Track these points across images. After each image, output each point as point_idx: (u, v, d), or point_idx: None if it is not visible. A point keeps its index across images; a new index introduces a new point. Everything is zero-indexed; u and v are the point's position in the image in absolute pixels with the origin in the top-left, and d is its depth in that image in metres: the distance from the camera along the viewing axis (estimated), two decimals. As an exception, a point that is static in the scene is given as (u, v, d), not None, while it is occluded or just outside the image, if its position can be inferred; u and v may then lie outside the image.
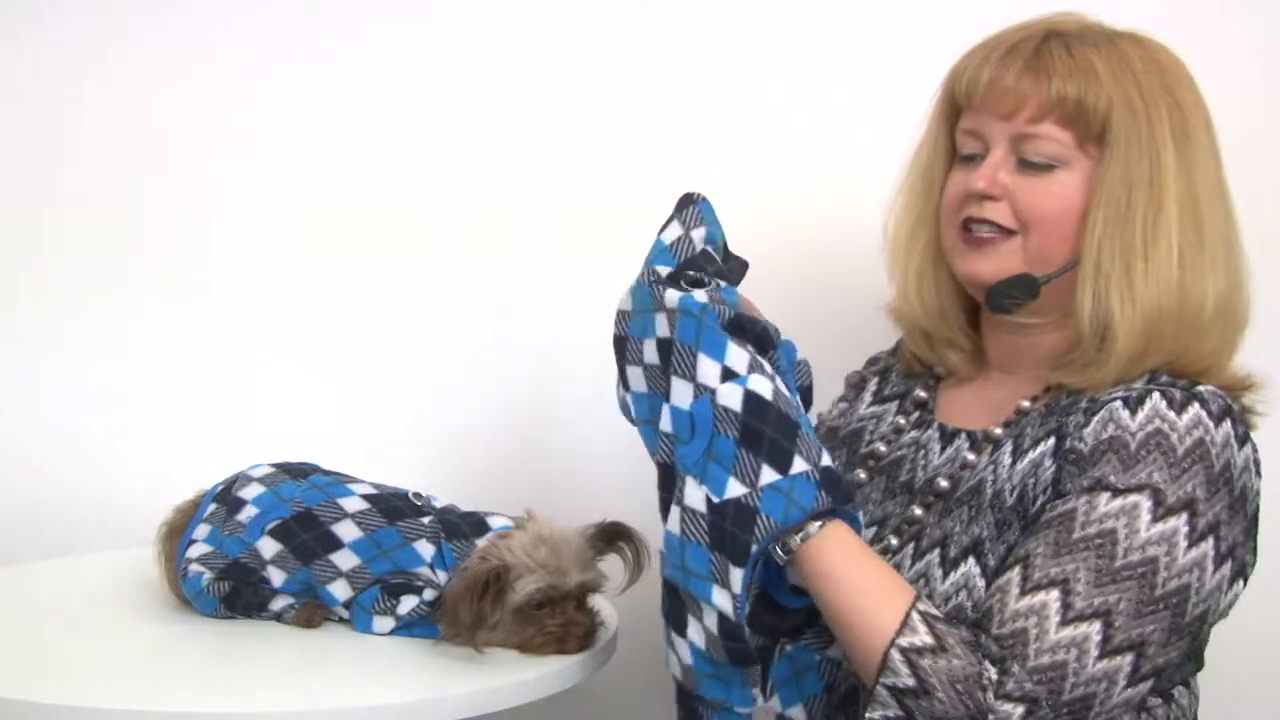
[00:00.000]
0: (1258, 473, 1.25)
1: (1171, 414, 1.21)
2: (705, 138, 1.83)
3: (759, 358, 1.22)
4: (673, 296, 1.22)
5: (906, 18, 1.77)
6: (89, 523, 1.79)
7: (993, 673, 1.14)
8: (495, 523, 1.40)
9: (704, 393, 1.19)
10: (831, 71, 1.81)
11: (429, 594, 1.39)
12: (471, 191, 1.86)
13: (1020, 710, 1.13)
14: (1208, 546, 1.18)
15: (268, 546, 1.42)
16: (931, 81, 1.37)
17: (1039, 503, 1.24)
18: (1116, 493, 1.18)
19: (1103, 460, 1.21)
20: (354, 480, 1.47)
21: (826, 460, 1.20)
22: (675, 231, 1.27)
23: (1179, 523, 1.17)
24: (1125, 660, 1.15)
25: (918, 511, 1.33)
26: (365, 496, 1.44)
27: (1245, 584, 1.24)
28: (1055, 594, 1.16)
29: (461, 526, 1.40)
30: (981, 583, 1.24)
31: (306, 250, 1.87)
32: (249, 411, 1.86)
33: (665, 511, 1.24)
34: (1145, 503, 1.18)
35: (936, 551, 1.28)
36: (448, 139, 1.85)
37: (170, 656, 1.36)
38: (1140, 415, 1.21)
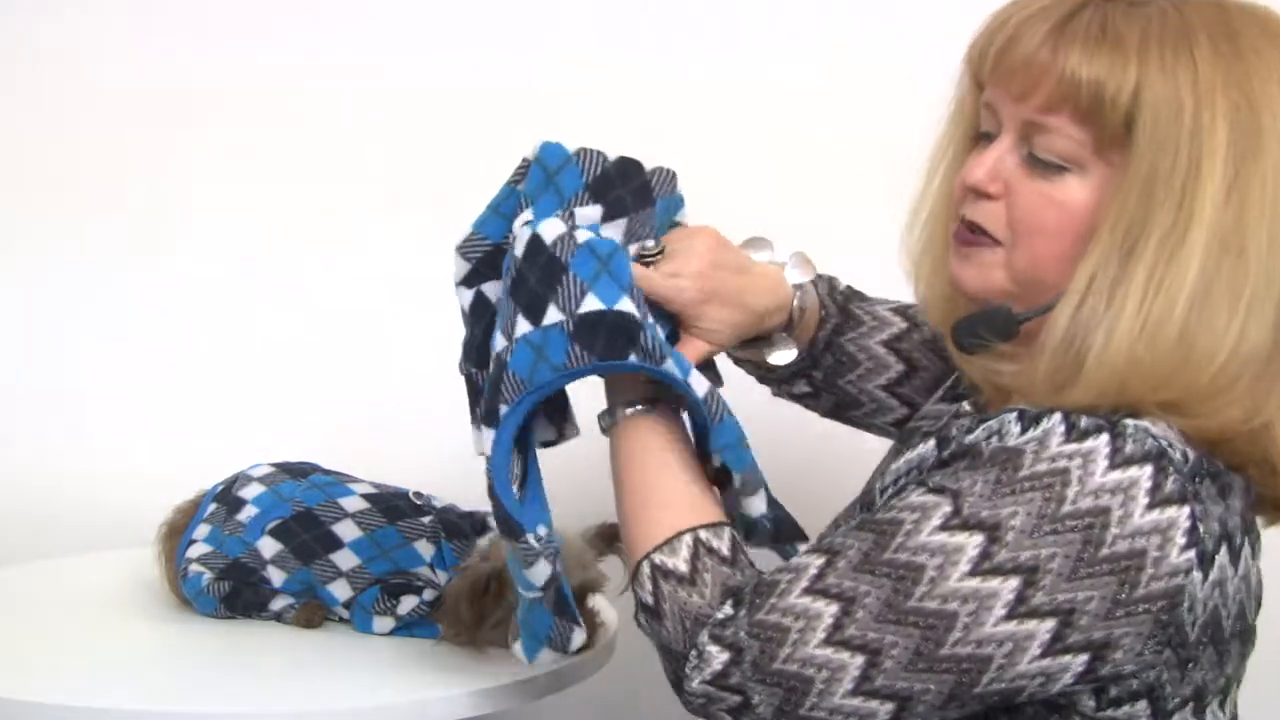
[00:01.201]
0: (1190, 545, 0.98)
1: (1055, 439, 1.00)
2: (727, 108, 1.83)
3: (582, 209, 1.11)
4: (535, 145, 1.14)
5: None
6: (89, 523, 1.79)
7: (724, 612, 1.04)
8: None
9: (514, 242, 1.11)
10: (868, 48, 1.81)
11: (429, 594, 1.39)
12: (475, 191, 1.86)
13: (724, 656, 1.02)
14: (1003, 586, 0.98)
15: (268, 546, 1.42)
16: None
17: None
18: (927, 490, 1.02)
19: (953, 463, 1.05)
20: (354, 480, 1.47)
21: (593, 305, 1.06)
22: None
23: (968, 542, 0.98)
24: (854, 661, 1.00)
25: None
26: (365, 496, 1.44)
27: (1116, 669, 1.01)
28: (820, 560, 1.02)
29: (461, 526, 1.40)
30: None
31: (308, 253, 1.87)
32: (249, 411, 1.86)
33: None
34: (944, 507, 1.00)
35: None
36: (455, 137, 1.86)
37: (170, 656, 1.36)
38: (1028, 433, 1.02)
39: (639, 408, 1.13)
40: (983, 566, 0.98)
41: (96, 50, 1.84)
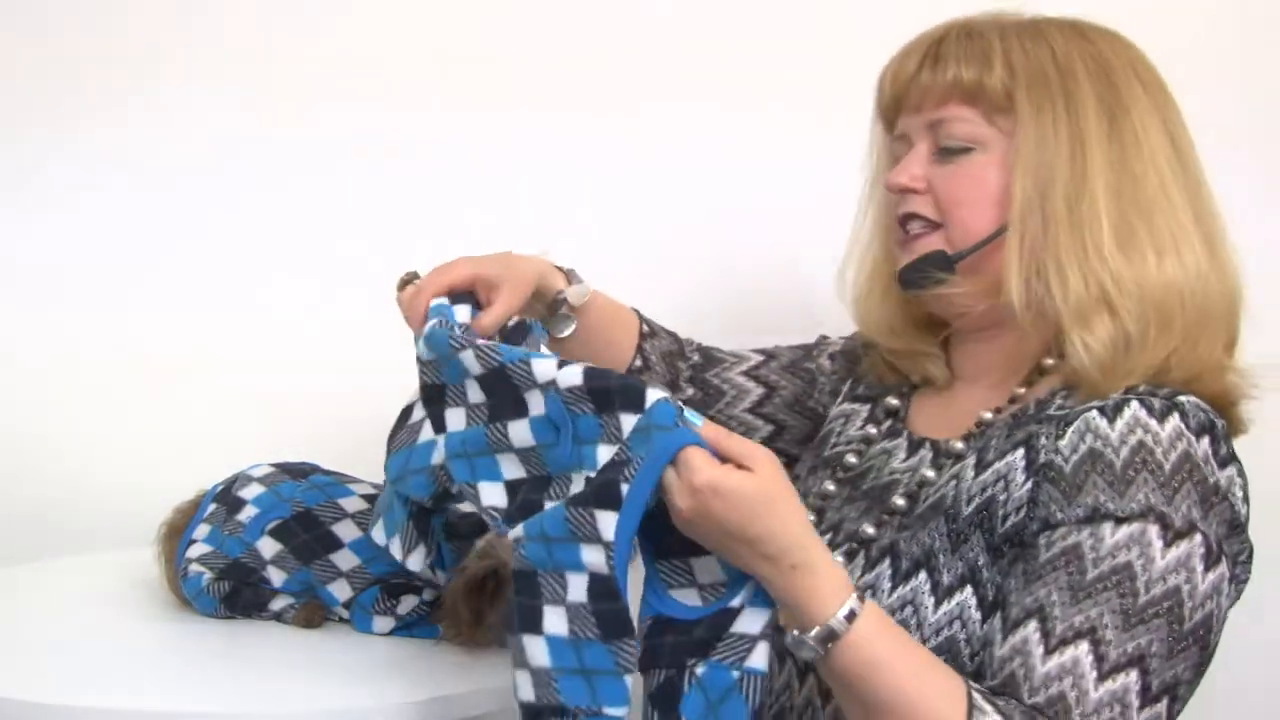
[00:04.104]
0: (1244, 499, 1.15)
1: (1153, 423, 1.11)
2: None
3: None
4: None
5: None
6: (89, 523, 1.79)
7: None
8: (495, 523, 1.41)
9: (549, 389, 1.11)
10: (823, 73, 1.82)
11: (429, 594, 1.40)
12: (475, 193, 1.86)
13: None
14: (1221, 571, 1.10)
15: (268, 546, 1.42)
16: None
17: (1010, 522, 1.14)
18: (1119, 521, 1.08)
19: (1088, 482, 1.10)
20: (354, 480, 1.47)
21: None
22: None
23: (1192, 546, 1.08)
24: (1162, 706, 1.05)
25: (870, 530, 1.24)
26: (365, 496, 1.44)
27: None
28: (1085, 646, 1.04)
29: (461, 527, 1.40)
30: (976, 614, 1.14)
31: (310, 249, 1.87)
32: (249, 412, 1.86)
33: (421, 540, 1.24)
34: (1153, 528, 1.07)
35: (887, 563, 1.19)
36: (456, 141, 1.86)
37: (170, 656, 1.36)
38: (1119, 424, 1.12)
39: (856, 608, 1.03)
40: (1209, 561, 1.08)
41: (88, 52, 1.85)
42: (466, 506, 1.21)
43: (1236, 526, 1.14)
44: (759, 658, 1.05)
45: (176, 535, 1.45)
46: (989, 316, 1.25)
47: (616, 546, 1.04)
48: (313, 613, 1.43)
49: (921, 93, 1.25)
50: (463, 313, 1.24)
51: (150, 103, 1.84)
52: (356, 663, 1.34)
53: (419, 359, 1.21)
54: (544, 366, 1.11)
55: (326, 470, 1.50)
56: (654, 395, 1.06)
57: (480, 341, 1.16)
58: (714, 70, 1.85)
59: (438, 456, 1.19)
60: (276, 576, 1.42)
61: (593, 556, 1.04)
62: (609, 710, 1.04)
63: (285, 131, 1.85)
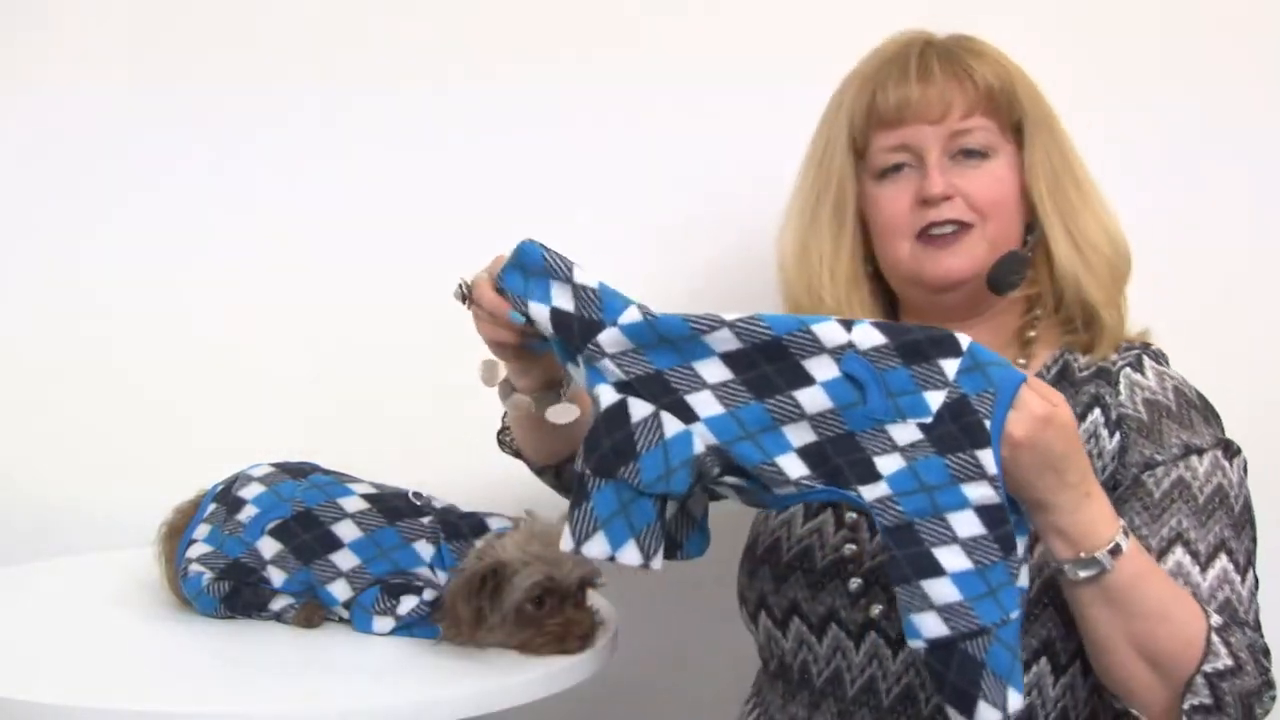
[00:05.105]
0: None
1: (1164, 368, 1.39)
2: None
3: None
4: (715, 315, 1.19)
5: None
6: (89, 523, 1.79)
7: (1263, 673, 1.24)
8: (494, 523, 1.41)
9: (842, 351, 1.17)
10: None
11: (429, 594, 1.39)
12: (474, 193, 1.86)
13: (1267, 661, 1.25)
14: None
15: (268, 546, 1.42)
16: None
17: (1107, 471, 1.34)
18: (1201, 453, 1.33)
19: (1162, 425, 1.34)
20: (354, 480, 1.47)
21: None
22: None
23: (1240, 460, 1.35)
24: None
25: None
26: (365, 496, 1.44)
27: None
28: (1224, 558, 1.29)
29: (461, 527, 1.40)
30: None
31: (310, 248, 1.87)
32: (249, 411, 1.86)
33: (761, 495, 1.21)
34: (1219, 453, 1.34)
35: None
36: (448, 145, 1.86)
37: (170, 656, 1.36)
38: (1150, 375, 1.38)
39: (1125, 526, 1.22)
40: (1246, 470, 1.36)
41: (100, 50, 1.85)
42: (729, 485, 1.22)
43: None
44: (1023, 578, 1.19)
45: (176, 535, 1.45)
46: (985, 302, 1.42)
47: (997, 477, 1.16)
48: (313, 613, 1.43)
49: (947, 104, 1.38)
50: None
51: (148, 101, 1.84)
52: (356, 663, 1.34)
53: (602, 351, 1.20)
54: (830, 331, 1.17)
55: (326, 470, 1.50)
56: (964, 338, 1.17)
57: (730, 317, 1.18)
58: (712, 56, 1.85)
59: (700, 445, 1.19)
60: (277, 576, 1.42)
61: (978, 491, 1.15)
62: (1013, 615, 1.16)
63: (280, 131, 1.85)
